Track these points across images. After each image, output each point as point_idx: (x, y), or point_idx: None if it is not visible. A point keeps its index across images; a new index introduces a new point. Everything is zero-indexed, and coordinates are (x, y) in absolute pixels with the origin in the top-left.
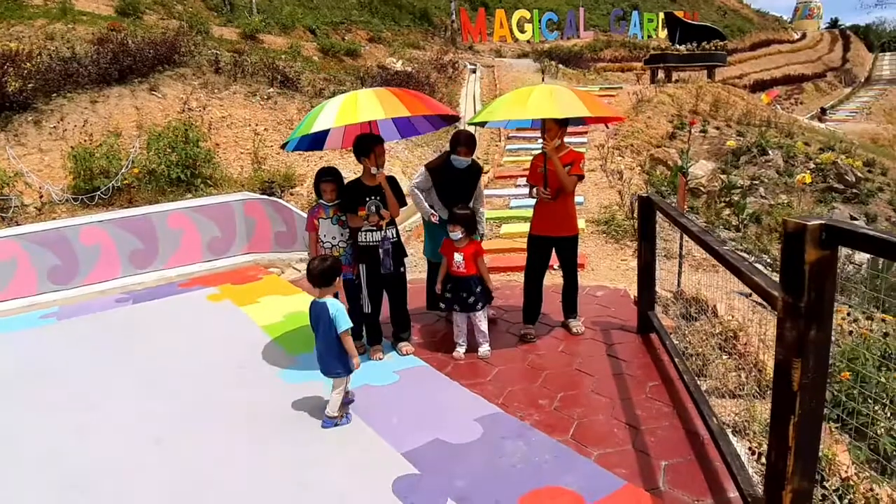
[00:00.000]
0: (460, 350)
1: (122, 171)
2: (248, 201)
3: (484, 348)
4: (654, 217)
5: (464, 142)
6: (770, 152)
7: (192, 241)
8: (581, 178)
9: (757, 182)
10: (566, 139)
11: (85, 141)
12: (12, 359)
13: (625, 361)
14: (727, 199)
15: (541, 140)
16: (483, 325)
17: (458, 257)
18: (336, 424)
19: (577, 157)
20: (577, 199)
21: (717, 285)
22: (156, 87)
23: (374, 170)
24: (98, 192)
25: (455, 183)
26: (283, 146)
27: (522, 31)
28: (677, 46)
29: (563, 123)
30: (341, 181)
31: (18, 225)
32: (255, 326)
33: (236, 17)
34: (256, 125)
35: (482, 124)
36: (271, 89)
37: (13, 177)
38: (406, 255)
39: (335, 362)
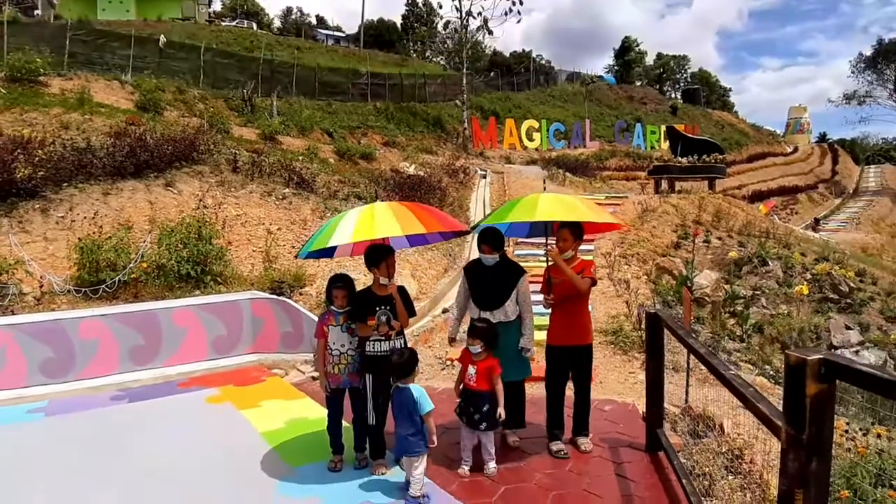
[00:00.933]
0: (465, 467)
1: (131, 264)
2: (256, 300)
3: (490, 467)
4: (662, 334)
5: (485, 238)
6: (770, 263)
7: (196, 338)
8: (594, 282)
9: (758, 292)
10: None
11: (94, 233)
12: None
13: (633, 482)
14: (731, 310)
15: (546, 247)
16: (490, 445)
17: (471, 370)
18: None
19: (587, 265)
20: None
21: (723, 399)
22: (172, 183)
23: (383, 280)
24: (103, 286)
25: (486, 283)
26: (297, 256)
27: (531, 140)
28: (679, 158)
29: (577, 235)
30: (353, 288)
31: (14, 314)
32: (255, 433)
33: (256, 118)
34: (270, 224)
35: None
36: (287, 189)
37: (13, 265)
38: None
39: (419, 442)
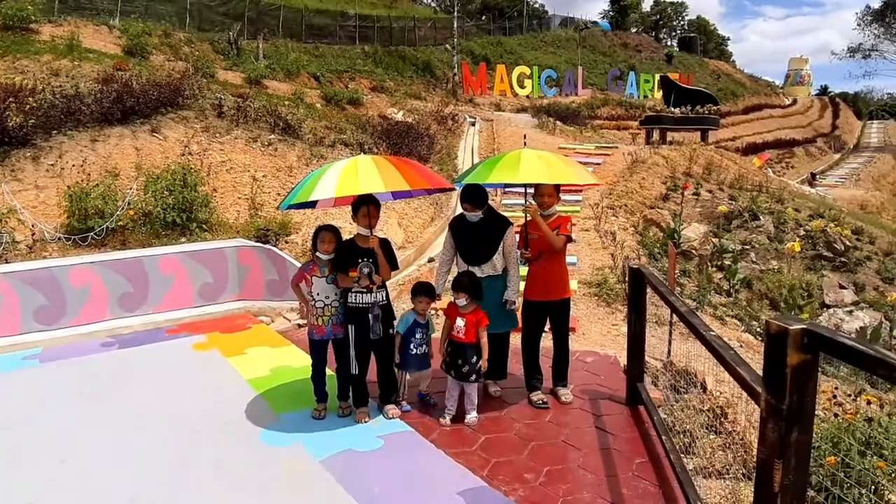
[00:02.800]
0: (447, 417)
1: (118, 212)
2: (242, 248)
3: (471, 416)
4: (645, 289)
5: (467, 197)
6: (761, 217)
7: (183, 286)
8: (570, 239)
9: (748, 247)
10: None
11: (82, 180)
12: None
13: (612, 435)
14: (719, 264)
15: (525, 202)
16: (474, 395)
17: (459, 322)
18: None
19: (564, 221)
20: (570, 259)
21: (706, 356)
22: (157, 129)
23: (363, 231)
24: (92, 233)
25: (471, 239)
26: (278, 207)
27: (522, 87)
28: (672, 109)
29: (558, 191)
30: (340, 237)
31: (7, 262)
32: (241, 380)
33: (242, 62)
34: (255, 171)
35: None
36: (272, 135)
37: (6, 213)
38: (395, 318)
39: None
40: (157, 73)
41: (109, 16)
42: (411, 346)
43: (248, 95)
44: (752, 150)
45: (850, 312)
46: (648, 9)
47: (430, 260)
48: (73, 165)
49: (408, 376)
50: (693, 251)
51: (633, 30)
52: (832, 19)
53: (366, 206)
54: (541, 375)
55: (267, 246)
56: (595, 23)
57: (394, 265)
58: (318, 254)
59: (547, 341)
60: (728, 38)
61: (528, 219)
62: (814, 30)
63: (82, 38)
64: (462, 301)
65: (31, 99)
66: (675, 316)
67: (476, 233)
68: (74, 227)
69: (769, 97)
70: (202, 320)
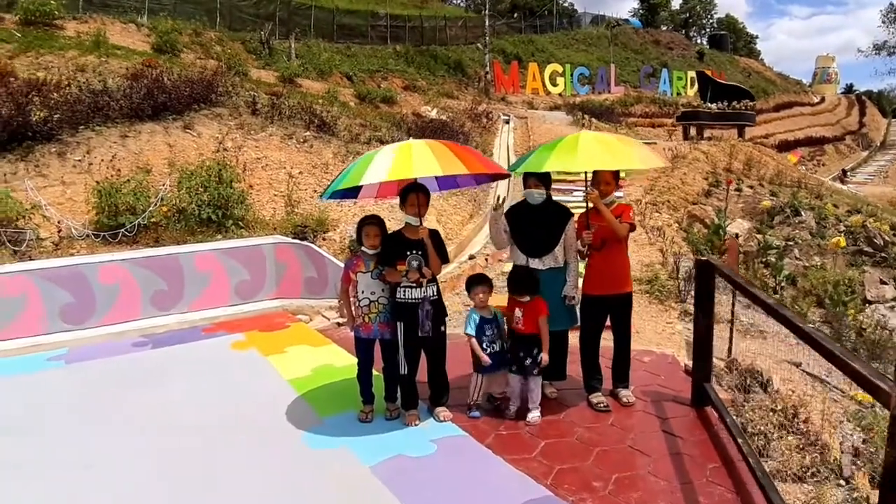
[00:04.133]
0: (512, 409)
1: (151, 208)
2: (279, 245)
3: (533, 414)
4: (713, 283)
5: (533, 172)
6: (802, 213)
7: (219, 284)
8: (633, 227)
9: (791, 243)
10: None
11: (112, 176)
12: (9, 406)
13: (681, 438)
14: (763, 260)
15: (577, 192)
16: (536, 392)
17: (518, 312)
18: None
19: (625, 209)
20: None
21: (766, 353)
22: (190, 126)
23: (412, 219)
24: (122, 230)
25: (534, 227)
26: (322, 195)
27: (554, 85)
28: (709, 104)
29: (618, 178)
30: (385, 229)
31: (31, 260)
32: (282, 380)
33: (274, 62)
34: (291, 168)
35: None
36: (308, 133)
37: (30, 209)
38: (447, 315)
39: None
40: (189, 70)
41: (137, 13)
42: (484, 345)
43: (282, 93)
44: (784, 147)
45: (893, 308)
46: (678, 7)
47: (471, 257)
48: (102, 161)
49: (483, 380)
50: (738, 247)
51: (664, 27)
52: (856, 18)
53: (415, 194)
54: (601, 376)
55: (305, 243)
56: (626, 20)
57: (444, 258)
58: (363, 248)
59: (604, 340)
60: (757, 37)
61: (590, 206)
62: (838, 28)
63: (109, 36)
64: (525, 298)
65: (55, 94)
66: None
67: (538, 221)
68: (104, 224)
69: (798, 95)
70: (239, 319)
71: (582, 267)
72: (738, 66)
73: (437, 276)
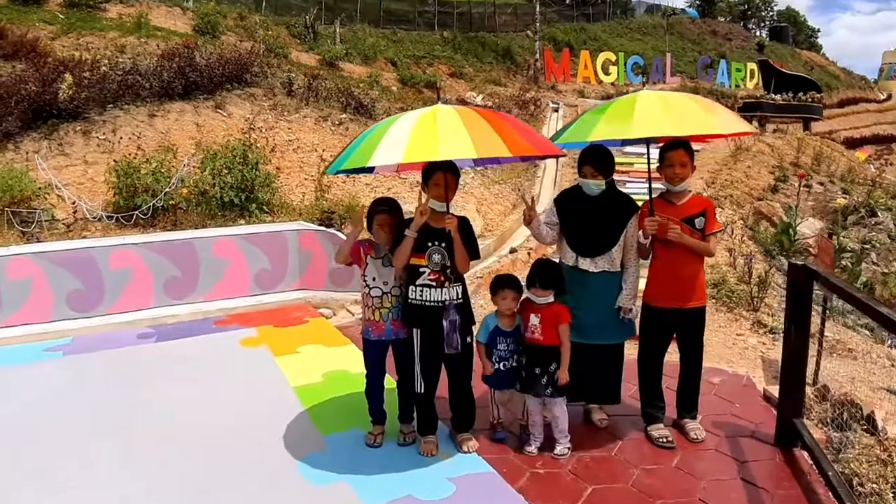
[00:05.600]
0: (533, 445)
1: (167, 188)
2: (303, 232)
3: (561, 447)
4: (811, 293)
5: (591, 157)
6: (879, 214)
7: (238, 272)
8: (721, 231)
9: (867, 246)
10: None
11: (133, 155)
12: None
13: (766, 491)
14: (839, 264)
15: (632, 185)
16: (561, 419)
17: (533, 319)
18: None
19: (708, 206)
20: None
21: (859, 377)
22: (221, 105)
23: (437, 205)
24: (137, 212)
25: (588, 221)
26: (324, 171)
27: (607, 74)
28: (773, 95)
29: (692, 155)
30: (401, 216)
31: (39, 242)
32: (288, 387)
33: (318, 46)
34: (324, 150)
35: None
36: (344, 115)
37: (44, 188)
38: (474, 323)
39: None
40: (224, 50)
41: None
42: (494, 359)
43: (321, 76)
44: (850, 144)
45: None
46: None
47: (513, 250)
48: (129, 139)
49: (495, 394)
50: (809, 249)
51: (721, 18)
52: None
53: (441, 174)
54: (663, 403)
55: (331, 230)
56: (682, 10)
57: (474, 253)
58: (373, 240)
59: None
60: (818, 30)
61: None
62: None
63: (153, 18)
64: (548, 299)
65: (88, 73)
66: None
67: (594, 213)
68: (121, 206)
69: (864, 91)
70: (256, 311)
71: (643, 270)
72: (800, 60)
73: (465, 275)
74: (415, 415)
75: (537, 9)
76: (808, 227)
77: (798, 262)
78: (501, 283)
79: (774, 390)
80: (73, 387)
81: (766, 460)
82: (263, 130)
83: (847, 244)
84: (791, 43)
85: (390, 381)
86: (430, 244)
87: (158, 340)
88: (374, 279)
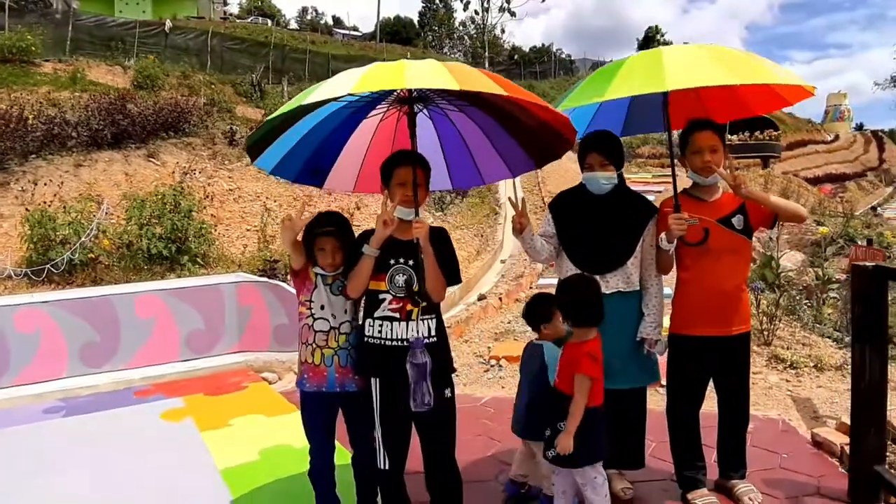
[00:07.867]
0: None
1: (82, 238)
2: (242, 284)
3: None
4: (887, 301)
5: (597, 143)
6: (858, 242)
7: (165, 333)
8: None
9: (849, 276)
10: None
11: (51, 204)
12: None
13: None
14: (823, 297)
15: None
16: (596, 492)
17: None
18: None
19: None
20: (668, 290)
21: None
22: (155, 154)
23: (404, 213)
24: (49, 265)
25: (594, 225)
26: (247, 146)
27: None
28: (729, 136)
29: (722, 132)
30: (350, 235)
31: None
32: (213, 470)
33: (265, 103)
34: (267, 198)
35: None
36: None
37: None
38: (454, 371)
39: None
40: (162, 99)
41: (125, 57)
42: None
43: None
44: (808, 184)
45: None
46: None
47: (481, 297)
48: (49, 192)
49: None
50: (793, 282)
51: None
52: (859, 60)
53: (409, 167)
54: (703, 462)
55: (274, 281)
56: None
57: (453, 276)
58: (317, 268)
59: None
60: None
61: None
62: (841, 71)
63: (92, 75)
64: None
65: (12, 125)
66: None
67: (602, 218)
68: (34, 261)
69: (811, 133)
70: (187, 379)
71: (667, 289)
72: None
73: (439, 307)
74: (378, 501)
75: (486, 65)
76: (789, 260)
77: (870, 265)
78: (547, 302)
79: (825, 433)
80: None
81: None
82: (201, 179)
83: (833, 275)
84: None
85: (344, 455)
86: (392, 261)
87: (66, 415)
88: (321, 307)
